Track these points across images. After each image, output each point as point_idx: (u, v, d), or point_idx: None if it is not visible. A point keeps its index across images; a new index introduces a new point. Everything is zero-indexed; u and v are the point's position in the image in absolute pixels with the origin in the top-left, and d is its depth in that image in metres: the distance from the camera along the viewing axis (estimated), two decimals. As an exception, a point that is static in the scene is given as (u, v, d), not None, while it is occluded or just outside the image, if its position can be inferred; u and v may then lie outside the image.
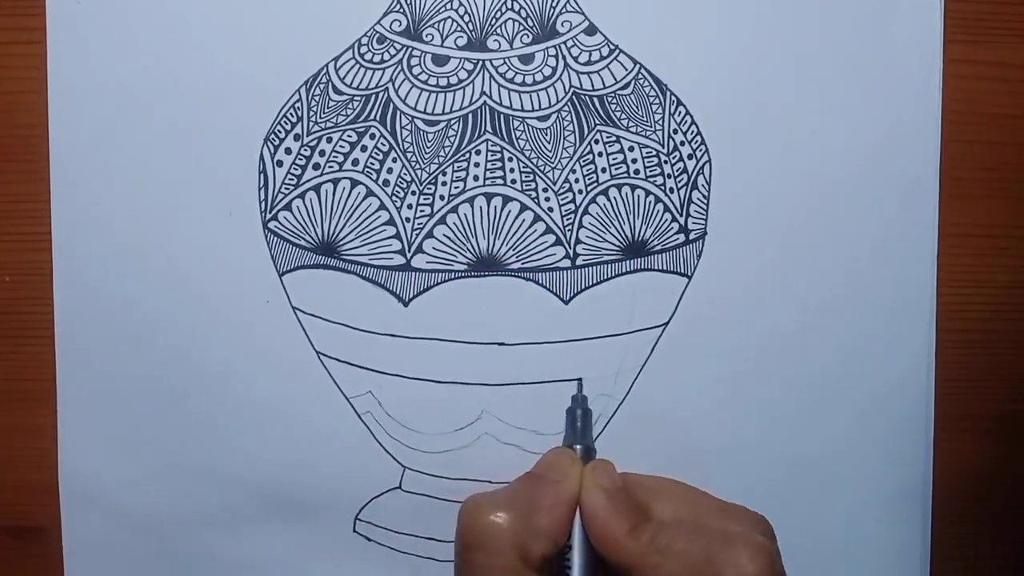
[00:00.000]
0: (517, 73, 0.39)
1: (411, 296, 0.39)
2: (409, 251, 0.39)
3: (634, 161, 0.39)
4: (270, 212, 0.40)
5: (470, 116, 0.39)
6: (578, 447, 0.38)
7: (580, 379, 0.40)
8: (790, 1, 0.40)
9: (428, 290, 0.39)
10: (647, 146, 0.39)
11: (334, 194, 0.39)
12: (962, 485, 0.42)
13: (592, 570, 0.36)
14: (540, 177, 0.39)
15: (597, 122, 0.39)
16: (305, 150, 0.39)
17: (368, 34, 0.39)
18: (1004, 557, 0.43)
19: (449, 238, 0.39)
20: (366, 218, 0.39)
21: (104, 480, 0.41)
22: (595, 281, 0.39)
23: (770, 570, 0.33)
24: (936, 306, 0.41)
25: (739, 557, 0.33)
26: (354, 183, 0.39)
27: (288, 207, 0.39)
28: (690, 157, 0.40)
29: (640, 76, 0.39)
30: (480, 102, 0.39)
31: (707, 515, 0.36)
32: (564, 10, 0.39)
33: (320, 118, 0.39)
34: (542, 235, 0.39)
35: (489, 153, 0.39)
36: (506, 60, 0.39)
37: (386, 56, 0.39)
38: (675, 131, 0.39)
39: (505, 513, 0.35)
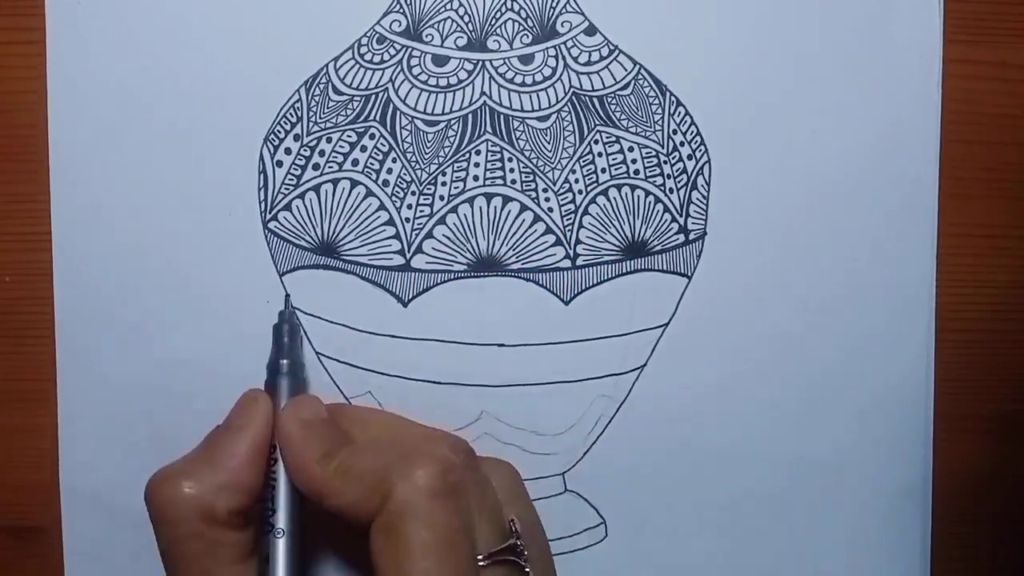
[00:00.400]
0: (517, 73, 0.39)
1: (411, 296, 0.39)
2: (409, 251, 0.39)
3: (634, 161, 0.39)
4: (270, 212, 0.40)
5: (470, 116, 0.39)
6: (284, 380, 0.37)
7: (287, 295, 0.39)
8: (790, 1, 0.40)
9: (428, 290, 0.39)
10: (647, 146, 0.39)
11: (334, 194, 0.39)
12: (962, 485, 0.42)
13: (297, 511, 0.35)
14: (540, 177, 0.39)
15: (597, 122, 0.39)
16: (305, 150, 0.39)
17: (368, 34, 0.39)
18: (1004, 557, 0.43)
19: (449, 238, 0.39)
20: (366, 218, 0.39)
21: (104, 480, 0.41)
22: (595, 281, 0.39)
23: (440, 480, 0.31)
24: (936, 306, 0.41)
25: (412, 469, 0.31)
26: (354, 183, 0.39)
27: (288, 207, 0.39)
28: (690, 157, 0.40)
29: (640, 76, 0.39)
30: (480, 102, 0.39)
31: (399, 437, 0.35)
32: (564, 10, 0.39)
33: (320, 118, 0.39)
34: (542, 235, 0.39)
35: (489, 153, 0.39)
36: (506, 60, 0.39)
37: (386, 56, 0.39)
38: (675, 131, 0.39)
39: (184, 480, 0.33)
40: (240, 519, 0.34)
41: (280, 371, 0.37)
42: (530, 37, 0.39)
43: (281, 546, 0.34)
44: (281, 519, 0.34)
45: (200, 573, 0.33)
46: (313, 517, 0.36)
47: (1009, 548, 0.43)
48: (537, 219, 0.39)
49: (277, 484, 0.35)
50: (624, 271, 0.39)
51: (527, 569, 0.33)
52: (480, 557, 0.32)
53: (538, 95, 0.39)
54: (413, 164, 0.39)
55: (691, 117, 0.40)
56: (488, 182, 0.39)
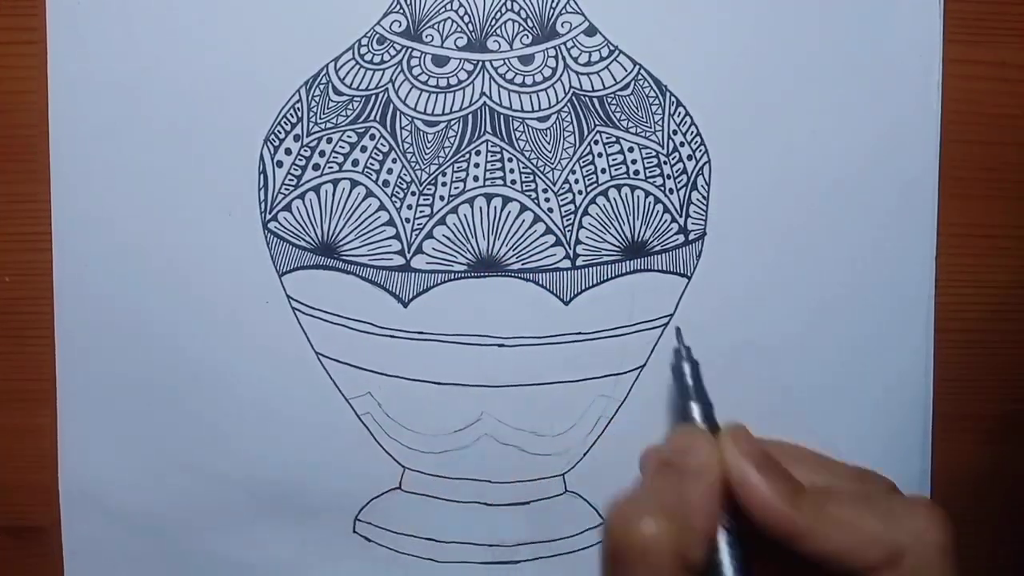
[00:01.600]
0: (517, 74, 0.39)
1: (411, 297, 0.39)
2: (409, 252, 0.39)
3: (634, 162, 0.39)
4: (270, 212, 0.40)
5: (470, 117, 0.39)
6: (693, 406, 0.34)
7: (678, 327, 0.37)
8: (789, 2, 0.40)
9: (428, 291, 0.39)
10: (647, 147, 0.39)
11: (334, 194, 0.39)
12: (962, 485, 0.42)
13: (743, 552, 0.33)
14: (540, 178, 0.39)
15: (597, 123, 0.39)
16: (305, 151, 0.39)
17: (368, 35, 0.39)
18: (1004, 557, 0.43)
19: (449, 239, 0.39)
20: (366, 219, 0.39)
21: (104, 480, 0.41)
22: (595, 282, 0.39)
23: (946, 536, 0.31)
24: (935, 306, 0.41)
25: (923, 525, 0.31)
26: (354, 183, 0.39)
27: (288, 207, 0.39)
28: (689, 158, 0.40)
29: (640, 77, 0.39)
30: (480, 103, 0.39)
31: (846, 480, 0.34)
32: (564, 11, 0.39)
33: (320, 119, 0.39)
34: (542, 235, 0.39)
35: (489, 154, 0.39)
36: (506, 61, 0.39)
37: (386, 57, 0.39)
38: (675, 132, 0.39)
39: (658, 520, 0.31)
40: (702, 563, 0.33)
41: (690, 412, 0.35)
42: (530, 37, 0.39)
43: None
44: (727, 559, 0.32)
45: None
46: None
47: (1009, 548, 0.43)
48: (537, 219, 0.39)
49: (728, 532, 0.33)
50: (624, 271, 0.39)
51: None
52: None
53: (538, 95, 0.39)
54: (413, 164, 0.39)
55: (691, 117, 0.40)
56: (488, 182, 0.39)
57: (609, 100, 0.39)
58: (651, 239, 0.40)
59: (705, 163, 0.40)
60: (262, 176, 0.40)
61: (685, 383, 0.35)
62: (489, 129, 0.39)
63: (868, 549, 0.32)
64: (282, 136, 0.39)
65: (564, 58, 0.39)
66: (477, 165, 0.39)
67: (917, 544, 0.31)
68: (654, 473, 0.34)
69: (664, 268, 0.40)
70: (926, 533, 0.31)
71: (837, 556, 0.32)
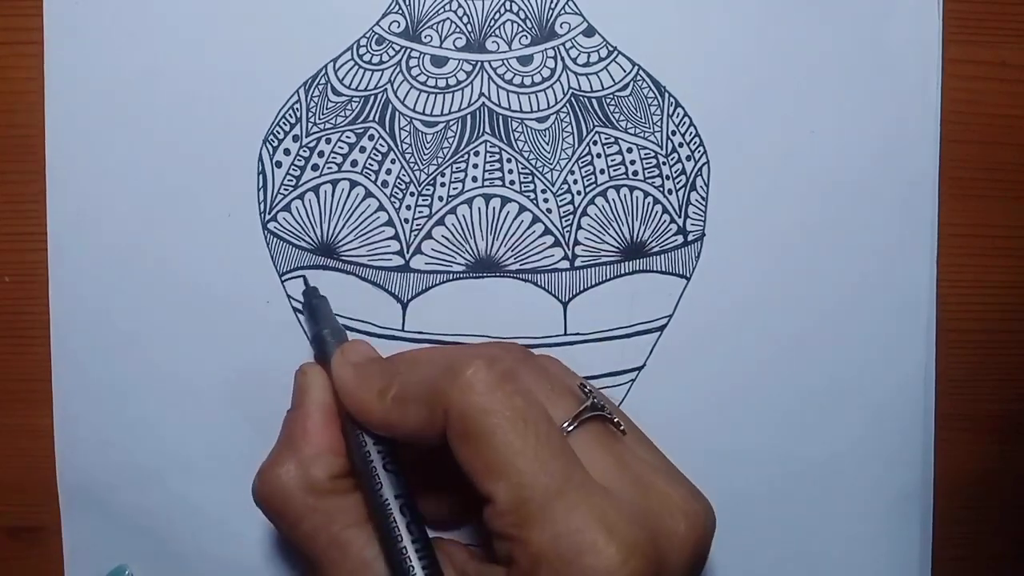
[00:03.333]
0: (516, 74, 0.39)
1: (410, 297, 0.39)
2: (408, 252, 0.39)
3: (632, 162, 0.39)
4: (269, 213, 0.40)
5: (469, 117, 0.39)
6: (327, 333, 0.37)
7: (304, 275, 0.39)
8: (789, 2, 0.40)
9: (427, 291, 0.39)
10: (645, 147, 0.39)
11: (333, 195, 0.39)
12: (962, 485, 0.42)
13: (391, 456, 0.34)
14: (539, 178, 0.39)
15: (596, 123, 0.39)
16: (304, 151, 0.39)
17: (367, 35, 0.39)
18: (1004, 557, 0.43)
19: (448, 239, 0.39)
20: (365, 219, 0.39)
21: (104, 480, 0.41)
22: (594, 282, 0.39)
23: (487, 373, 0.31)
24: (936, 306, 0.41)
25: (459, 374, 0.31)
26: (353, 184, 0.39)
27: (287, 208, 0.39)
28: (688, 158, 0.40)
29: (639, 78, 0.39)
30: (479, 103, 0.39)
31: (435, 356, 0.35)
32: (563, 11, 0.39)
33: (319, 119, 0.39)
34: (540, 236, 0.39)
35: (488, 154, 0.39)
36: (505, 61, 0.39)
37: (385, 57, 0.39)
38: (673, 132, 0.39)
39: (276, 469, 0.34)
40: (345, 483, 0.34)
41: (324, 339, 0.37)
42: (529, 38, 0.39)
43: (386, 491, 0.33)
44: (375, 464, 0.34)
45: (330, 542, 0.33)
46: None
47: (1009, 548, 0.43)
48: (536, 220, 0.39)
49: (360, 437, 0.35)
50: (622, 272, 0.39)
51: (616, 420, 0.33)
52: (564, 424, 0.32)
53: (537, 96, 0.39)
54: (412, 165, 0.39)
55: (690, 118, 0.40)
56: (487, 183, 0.39)
57: (608, 101, 0.39)
58: (650, 240, 0.40)
59: (704, 164, 0.40)
60: (261, 176, 0.40)
61: (317, 316, 0.38)
62: (488, 130, 0.39)
63: (428, 416, 0.32)
64: (281, 136, 0.39)
65: (563, 59, 0.39)
66: (476, 166, 0.39)
67: (457, 391, 0.31)
68: (282, 424, 0.36)
69: (663, 269, 0.40)
70: (463, 378, 0.31)
71: (418, 435, 0.32)
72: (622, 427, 0.33)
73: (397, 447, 0.34)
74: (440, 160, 0.39)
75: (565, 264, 0.39)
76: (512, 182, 0.39)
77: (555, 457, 0.30)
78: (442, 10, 0.39)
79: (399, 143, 0.39)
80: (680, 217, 0.40)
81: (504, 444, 0.30)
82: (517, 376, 0.32)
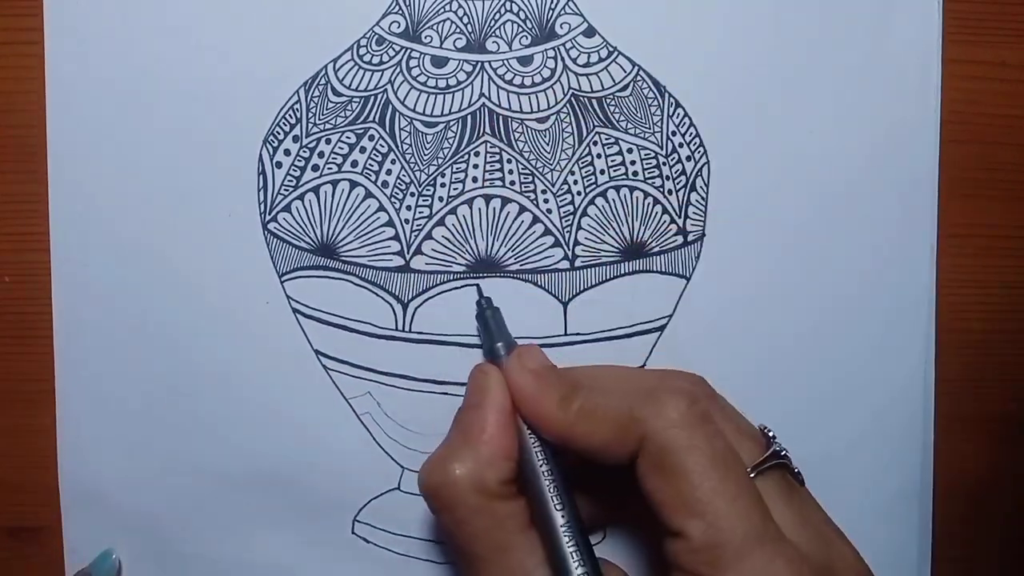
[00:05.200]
0: (516, 75, 0.39)
1: (410, 297, 0.39)
2: (408, 252, 0.39)
3: (632, 163, 0.39)
4: (269, 213, 0.40)
5: (469, 118, 0.39)
6: (500, 346, 0.36)
7: (477, 284, 0.39)
8: (788, 2, 0.40)
9: (427, 291, 0.39)
10: (646, 148, 0.39)
11: (333, 195, 0.39)
12: (962, 485, 0.42)
13: (553, 459, 0.34)
14: (539, 179, 0.39)
15: (596, 124, 0.39)
16: (304, 151, 0.39)
17: (367, 35, 0.39)
18: (1004, 558, 0.43)
19: (448, 239, 0.39)
20: (365, 219, 0.39)
21: (104, 480, 0.41)
22: (594, 283, 0.39)
23: (689, 411, 0.32)
24: (936, 306, 0.41)
25: (662, 406, 0.32)
26: (353, 184, 0.39)
27: (287, 208, 0.39)
28: (688, 159, 0.40)
29: (639, 78, 0.39)
30: (479, 104, 0.39)
31: (632, 378, 0.35)
32: (563, 12, 0.39)
33: (319, 119, 0.39)
34: (541, 236, 0.39)
35: (488, 155, 0.39)
36: (505, 62, 0.39)
37: (385, 58, 0.39)
38: (673, 133, 0.39)
39: (450, 463, 0.33)
40: (513, 489, 0.34)
41: (498, 354, 0.36)
42: (529, 38, 0.39)
43: (553, 499, 0.34)
44: (543, 473, 0.34)
45: (493, 546, 0.33)
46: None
47: (1009, 548, 0.43)
48: (536, 220, 0.39)
49: (530, 444, 0.35)
50: (623, 272, 0.39)
51: (796, 470, 0.34)
52: (749, 469, 0.32)
53: (537, 96, 0.39)
54: (412, 165, 0.39)
55: (690, 119, 0.40)
56: (487, 183, 0.39)
57: (608, 101, 0.39)
58: (650, 240, 0.40)
59: (704, 164, 0.40)
60: (261, 177, 0.40)
61: (491, 328, 0.37)
62: (488, 130, 0.39)
63: (619, 437, 0.32)
64: (281, 137, 0.39)
65: (563, 59, 0.39)
66: (476, 166, 0.39)
67: (657, 422, 0.31)
68: (453, 421, 0.36)
69: (663, 269, 0.40)
70: (665, 410, 0.32)
71: (600, 451, 0.33)
72: (801, 477, 0.34)
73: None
74: (440, 160, 0.39)
75: (565, 264, 0.39)
76: (512, 182, 0.39)
77: (752, 504, 0.30)
78: (442, 10, 0.39)
79: (399, 143, 0.39)
80: (680, 217, 0.40)
81: (704, 483, 0.30)
82: (712, 418, 0.32)
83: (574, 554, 0.32)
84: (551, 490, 0.34)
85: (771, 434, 0.34)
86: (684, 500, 0.30)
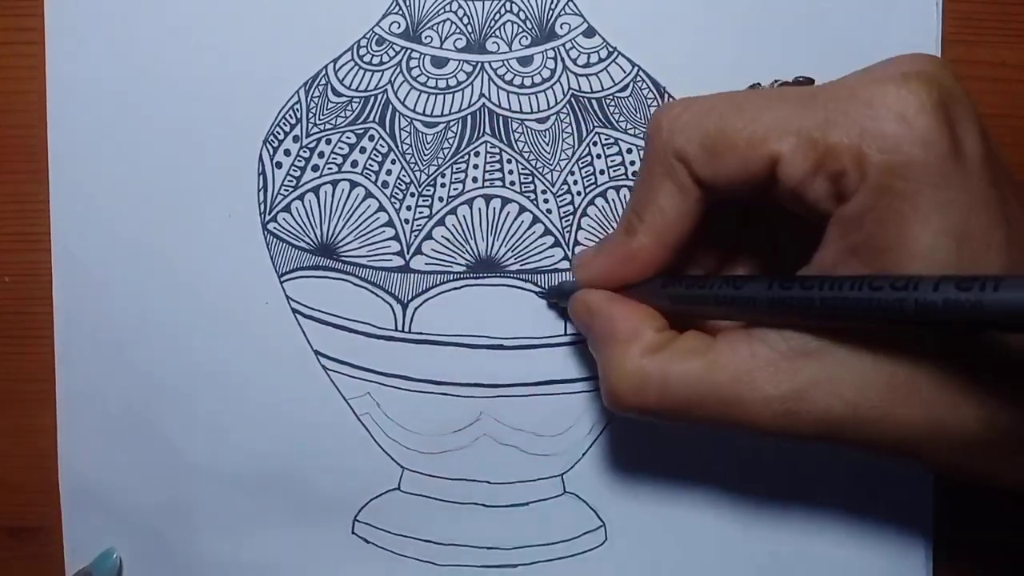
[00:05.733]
0: (516, 75, 0.39)
1: (410, 297, 0.39)
2: (408, 253, 0.39)
3: (632, 163, 0.39)
4: (269, 213, 0.40)
5: (469, 118, 0.39)
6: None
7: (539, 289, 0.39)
8: (788, 3, 0.40)
9: (427, 291, 0.39)
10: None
11: (333, 195, 0.39)
12: (965, 488, 0.42)
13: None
14: (539, 179, 0.39)
15: (595, 124, 0.39)
16: (304, 152, 0.39)
17: (367, 36, 0.39)
18: (1005, 558, 0.43)
19: (448, 240, 0.39)
20: (365, 220, 0.39)
21: (104, 480, 0.41)
22: (594, 283, 0.39)
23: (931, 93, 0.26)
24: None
25: (875, 96, 0.27)
26: (353, 185, 0.39)
27: (287, 208, 0.39)
28: (689, 159, 0.40)
29: (639, 78, 0.39)
30: (479, 104, 0.39)
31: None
32: (563, 12, 0.39)
33: (319, 120, 0.39)
34: (541, 236, 0.39)
35: (488, 155, 0.39)
36: (505, 62, 0.39)
37: (385, 58, 0.39)
38: (674, 133, 0.39)
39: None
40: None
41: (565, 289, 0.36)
42: (529, 39, 0.39)
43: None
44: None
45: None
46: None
47: (1010, 549, 0.43)
48: (536, 220, 0.39)
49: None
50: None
51: None
52: None
53: (537, 97, 0.39)
54: (412, 165, 0.39)
55: (690, 119, 0.40)
56: (487, 183, 0.39)
57: (608, 101, 0.39)
58: (650, 240, 0.39)
59: (704, 164, 0.40)
60: (261, 177, 0.40)
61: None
62: (488, 130, 0.39)
63: (773, 145, 0.28)
64: (281, 137, 0.39)
65: (563, 59, 0.39)
66: (476, 166, 0.39)
67: (877, 126, 0.26)
68: (596, 354, 0.33)
69: (663, 269, 0.40)
70: (890, 106, 0.26)
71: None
72: None
73: None
74: (440, 161, 0.39)
75: (565, 264, 0.39)
76: (512, 183, 0.39)
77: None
78: (442, 11, 0.39)
79: (399, 144, 0.39)
80: (680, 218, 0.40)
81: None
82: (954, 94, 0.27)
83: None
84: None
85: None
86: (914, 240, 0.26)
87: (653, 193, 0.31)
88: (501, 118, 0.39)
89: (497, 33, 0.39)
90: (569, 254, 0.39)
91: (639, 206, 0.32)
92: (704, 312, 0.31)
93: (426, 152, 0.39)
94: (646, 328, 0.31)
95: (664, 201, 0.31)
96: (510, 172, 0.39)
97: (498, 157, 0.39)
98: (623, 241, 0.32)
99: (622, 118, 0.39)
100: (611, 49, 0.39)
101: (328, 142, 0.39)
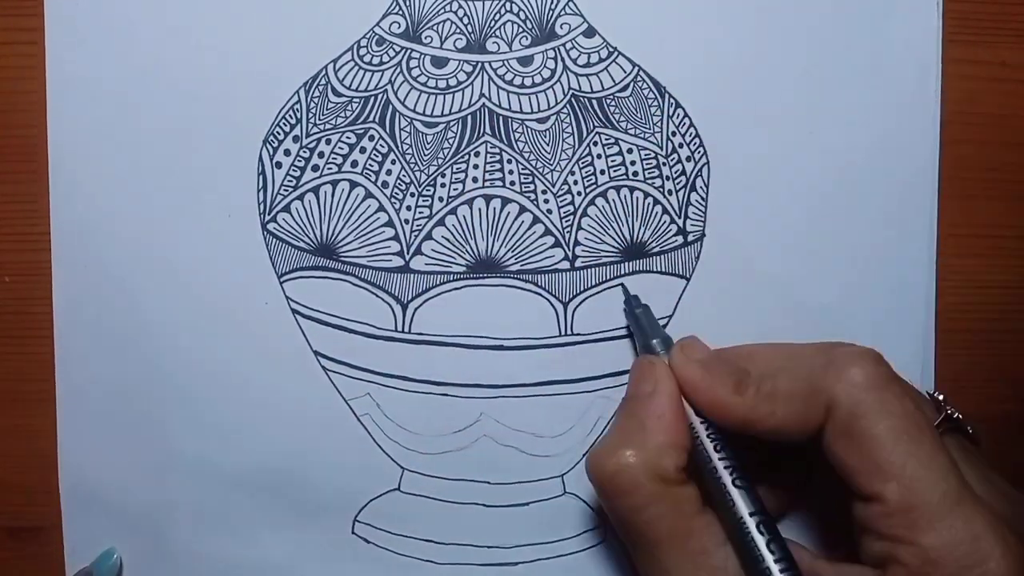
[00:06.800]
0: (516, 75, 0.39)
1: (410, 298, 0.39)
2: (408, 253, 0.39)
3: (632, 163, 0.39)
4: (269, 214, 0.40)
5: (469, 118, 0.39)
6: (656, 343, 0.37)
7: (623, 284, 0.39)
8: (788, 3, 0.40)
9: (427, 292, 0.39)
10: (645, 148, 0.39)
11: (333, 196, 0.39)
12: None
13: (727, 447, 0.35)
14: (539, 179, 0.39)
15: (596, 124, 0.39)
16: (304, 152, 0.39)
17: (367, 36, 0.39)
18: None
19: (448, 240, 0.39)
20: (365, 220, 0.39)
21: (104, 480, 0.41)
22: (594, 283, 0.39)
23: (876, 371, 0.32)
24: (935, 307, 0.41)
25: (845, 371, 0.32)
26: (353, 185, 0.39)
27: (287, 209, 0.39)
28: (688, 159, 0.40)
29: (639, 78, 0.39)
30: (479, 104, 0.39)
31: (803, 353, 0.35)
32: (563, 12, 0.39)
33: (319, 120, 0.39)
34: (541, 237, 0.39)
35: (488, 155, 0.39)
36: (505, 62, 0.39)
37: (385, 58, 0.39)
38: (673, 133, 0.39)
39: (625, 450, 0.34)
40: (684, 476, 0.34)
41: (654, 350, 0.37)
42: (529, 39, 0.39)
43: (729, 485, 0.34)
44: (716, 460, 0.34)
45: (673, 531, 0.33)
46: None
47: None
48: (536, 220, 0.39)
49: (699, 432, 0.35)
50: (623, 272, 0.39)
51: (971, 430, 0.34)
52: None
53: (537, 97, 0.39)
54: (412, 166, 0.39)
55: (690, 119, 0.40)
56: (487, 183, 0.39)
57: (608, 101, 0.39)
58: (650, 240, 0.40)
59: (704, 164, 0.40)
60: (261, 177, 0.40)
61: (643, 325, 0.38)
62: (488, 130, 0.39)
63: (802, 411, 0.32)
64: (281, 137, 0.39)
65: (563, 59, 0.39)
66: (476, 166, 0.39)
67: (843, 388, 0.32)
68: (619, 411, 0.36)
69: (663, 269, 0.40)
70: (850, 375, 0.32)
71: (784, 429, 0.33)
72: (977, 437, 0.34)
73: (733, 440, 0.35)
74: (440, 161, 0.39)
75: (566, 265, 0.39)
76: (512, 183, 0.39)
77: (947, 465, 0.30)
78: (442, 11, 0.39)
79: (399, 144, 0.39)
80: (680, 217, 0.40)
81: (897, 446, 0.30)
82: (897, 377, 0.33)
83: (765, 540, 0.32)
84: (731, 472, 0.34)
85: (941, 398, 0.34)
86: (878, 464, 0.31)
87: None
88: (501, 118, 0.39)
89: (497, 33, 0.39)
90: (569, 254, 0.39)
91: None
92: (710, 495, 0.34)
93: (426, 152, 0.39)
94: (668, 453, 0.34)
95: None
96: (510, 172, 0.39)
97: (498, 157, 0.39)
98: (735, 386, 0.34)
99: (622, 118, 0.39)
100: (611, 49, 0.39)
101: (328, 142, 0.39)
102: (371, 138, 0.39)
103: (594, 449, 0.35)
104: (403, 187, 0.39)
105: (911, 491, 0.30)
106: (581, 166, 0.39)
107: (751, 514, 0.33)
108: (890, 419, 0.31)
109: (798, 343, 0.36)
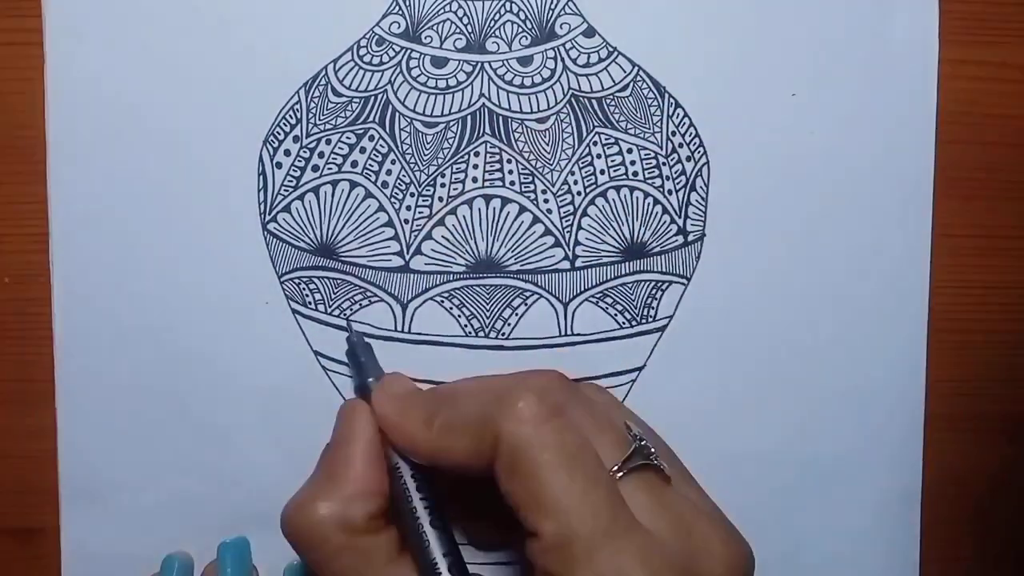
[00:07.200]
0: (516, 75, 0.39)
1: (410, 298, 0.39)
2: (408, 253, 0.39)
3: (632, 163, 0.39)
4: (269, 214, 0.40)
5: (469, 118, 0.39)
6: (371, 381, 0.37)
7: (348, 320, 0.39)
8: (788, 2, 0.40)
9: (426, 292, 0.39)
10: (645, 148, 0.39)
11: (333, 196, 0.39)
12: (955, 487, 0.42)
13: (431, 486, 0.34)
14: (539, 179, 0.39)
15: (596, 124, 0.39)
16: (304, 152, 0.39)
17: (367, 36, 0.39)
18: (997, 559, 0.43)
19: (448, 240, 0.39)
20: (365, 220, 0.39)
21: (104, 480, 0.41)
22: (594, 283, 0.39)
23: (539, 405, 0.31)
24: (930, 307, 0.41)
25: (511, 405, 0.31)
26: (353, 185, 0.39)
27: (287, 209, 0.39)
28: (688, 159, 0.40)
29: (639, 78, 0.39)
30: (479, 104, 0.39)
31: (490, 386, 0.34)
32: (563, 12, 0.39)
33: (319, 120, 0.39)
34: (541, 237, 0.39)
35: (488, 155, 0.39)
36: (505, 62, 0.39)
37: (385, 58, 0.39)
38: (673, 133, 0.39)
39: (313, 503, 0.34)
40: (380, 522, 0.34)
41: (369, 389, 0.37)
42: (529, 39, 0.39)
43: (427, 526, 0.34)
44: (416, 501, 0.34)
45: None
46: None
47: (1001, 550, 0.43)
48: (536, 220, 0.39)
49: (402, 472, 0.35)
50: (623, 272, 0.39)
51: (664, 467, 0.33)
52: (614, 470, 0.31)
53: (537, 97, 0.39)
54: (412, 166, 0.39)
55: (690, 119, 0.40)
56: (487, 183, 0.39)
57: (608, 101, 0.39)
58: (650, 240, 0.40)
59: (704, 164, 0.40)
60: (261, 177, 0.40)
61: (361, 364, 0.38)
62: (488, 130, 0.39)
63: (475, 445, 0.32)
64: (281, 137, 0.39)
65: (563, 59, 0.39)
66: (476, 166, 0.39)
67: (508, 422, 0.31)
68: (319, 459, 0.36)
69: (663, 269, 0.40)
70: (515, 409, 0.31)
71: (465, 464, 0.32)
72: (668, 475, 0.33)
73: (439, 475, 0.34)
74: (440, 161, 0.39)
75: (566, 264, 0.39)
76: (512, 183, 0.39)
77: (602, 497, 0.30)
78: (442, 11, 0.39)
79: (399, 144, 0.39)
80: (680, 217, 0.40)
81: (553, 480, 0.30)
82: (566, 410, 0.32)
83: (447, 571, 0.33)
84: (429, 513, 0.34)
85: (633, 431, 0.33)
86: (535, 499, 0.30)
87: None
88: (501, 118, 0.39)
89: (497, 33, 0.39)
90: (569, 254, 0.39)
91: None
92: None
93: (426, 152, 0.39)
94: (356, 503, 0.34)
95: None
96: (510, 172, 0.39)
97: (498, 157, 0.39)
98: (425, 421, 0.34)
99: (622, 118, 0.39)
100: (611, 49, 0.39)
101: (328, 142, 0.39)
102: (371, 138, 0.39)
103: (288, 502, 0.35)
104: (403, 187, 0.39)
105: (565, 526, 0.29)
106: (581, 166, 0.39)
107: (444, 555, 0.33)
108: (546, 453, 0.30)
109: (498, 375, 0.36)
